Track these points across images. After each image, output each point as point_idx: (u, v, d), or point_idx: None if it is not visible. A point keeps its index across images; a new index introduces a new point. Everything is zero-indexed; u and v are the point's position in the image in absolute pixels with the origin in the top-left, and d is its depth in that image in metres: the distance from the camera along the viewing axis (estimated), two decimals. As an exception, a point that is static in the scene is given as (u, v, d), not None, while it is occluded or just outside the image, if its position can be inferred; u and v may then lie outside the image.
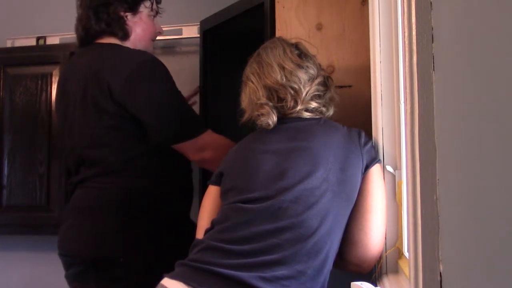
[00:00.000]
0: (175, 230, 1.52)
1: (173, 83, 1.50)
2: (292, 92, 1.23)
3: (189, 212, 1.63)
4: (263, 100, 1.24)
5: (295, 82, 1.23)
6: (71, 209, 1.51)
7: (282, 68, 1.25)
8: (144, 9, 1.57)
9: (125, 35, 1.55)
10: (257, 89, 1.26)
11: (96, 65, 1.47)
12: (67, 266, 1.49)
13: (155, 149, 1.49)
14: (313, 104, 1.25)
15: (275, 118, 1.23)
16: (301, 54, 1.29)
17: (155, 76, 1.47)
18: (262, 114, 1.23)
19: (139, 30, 1.57)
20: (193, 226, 1.55)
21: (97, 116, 1.45)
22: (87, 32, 1.53)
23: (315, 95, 1.26)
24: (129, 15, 1.54)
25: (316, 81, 1.26)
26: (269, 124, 1.23)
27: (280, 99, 1.24)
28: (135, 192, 1.46)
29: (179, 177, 1.59)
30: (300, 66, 1.25)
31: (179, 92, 1.51)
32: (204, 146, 1.51)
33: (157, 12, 1.63)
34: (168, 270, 1.38)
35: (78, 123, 1.50)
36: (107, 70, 1.44)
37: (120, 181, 1.46)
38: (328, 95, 1.29)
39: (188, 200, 1.62)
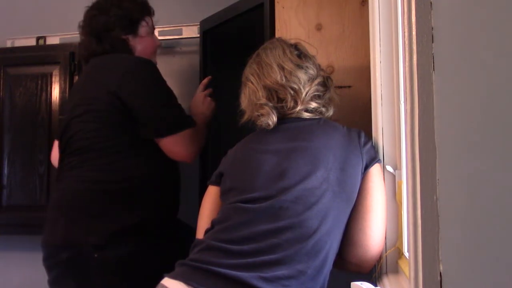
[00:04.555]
0: (154, 232, 1.52)
1: (164, 81, 1.59)
2: (292, 92, 1.23)
3: (173, 214, 1.64)
4: (263, 100, 1.24)
5: (294, 82, 1.23)
6: (51, 204, 1.58)
7: (282, 68, 1.25)
8: (142, 28, 1.68)
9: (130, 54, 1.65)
10: (257, 90, 1.26)
11: (95, 71, 1.58)
12: (48, 270, 1.51)
13: (134, 145, 1.53)
14: (313, 105, 1.25)
15: (275, 119, 1.23)
16: (300, 54, 1.29)
17: (149, 72, 1.56)
18: (262, 115, 1.23)
19: (140, 48, 1.67)
20: (184, 230, 1.56)
21: (87, 112, 1.53)
22: (91, 54, 1.62)
23: (315, 95, 1.26)
24: (130, 37, 1.65)
25: (316, 81, 1.26)
26: (269, 125, 1.23)
27: (280, 100, 1.24)
28: (109, 187, 1.48)
29: (159, 175, 1.59)
30: (299, 67, 1.25)
31: (170, 89, 1.59)
32: (184, 142, 1.55)
33: (154, 28, 1.74)
34: (146, 270, 1.39)
35: (67, 116, 1.60)
36: (105, 72, 1.55)
37: (97, 174, 1.49)
38: (327, 95, 1.29)
39: (169, 201, 1.63)
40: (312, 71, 1.27)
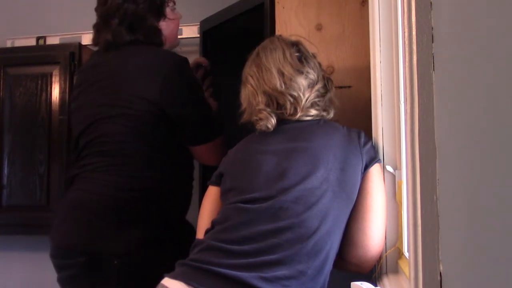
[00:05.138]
0: (171, 236, 1.51)
1: (199, 82, 1.56)
2: (291, 99, 1.22)
3: (185, 217, 1.63)
4: (262, 106, 1.23)
5: (294, 89, 1.22)
6: (69, 203, 1.49)
7: (281, 74, 1.23)
8: (167, 9, 1.61)
9: (161, 44, 1.59)
10: (256, 94, 1.25)
11: (129, 69, 1.49)
12: (59, 268, 1.47)
13: (163, 152, 1.50)
14: (313, 112, 1.24)
15: (274, 122, 1.22)
16: (301, 56, 1.27)
17: (187, 76, 1.52)
18: (261, 119, 1.23)
19: (167, 32, 1.61)
20: (189, 230, 1.54)
21: (121, 115, 1.45)
22: (119, 44, 1.52)
23: (315, 101, 1.24)
24: (161, 22, 1.58)
25: (316, 87, 1.24)
26: (268, 128, 1.22)
27: (280, 105, 1.23)
28: (137, 194, 1.44)
29: (183, 182, 1.58)
30: (300, 72, 1.24)
31: (203, 91, 1.57)
32: (216, 149, 1.55)
33: (174, 2, 1.66)
34: (154, 270, 1.38)
35: (89, 110, 1.50)
36: (141, 73, 1.47)
37: (124, 181, 1.44)
38: (327, 97, 1.28)
39: (187, 207, 1.62)
40: (312, 76, 1.25)
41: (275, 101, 1.23)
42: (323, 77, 1.29)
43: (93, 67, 1.59)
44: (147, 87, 1.44)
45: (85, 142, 1.49)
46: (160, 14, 1.57)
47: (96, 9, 1.58)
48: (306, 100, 1.22)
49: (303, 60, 1.27)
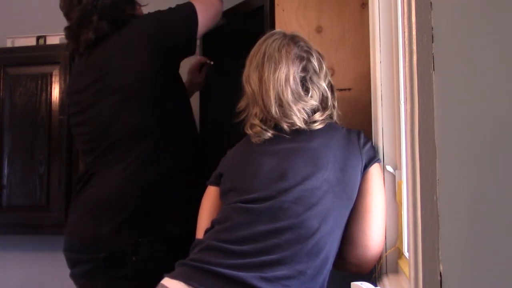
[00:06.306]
0: (187, 237, 1.52)
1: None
2: (288, 124, 1.20)
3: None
4: (257, 121, 1.22)
5: (290, 117, 1.19)
6: (87, 199, 1.49)
7: (279, 99, 1.18)
8: None
9: None
10: (255, 106, 1.23)
11: (112, 60, 1.52)
12: (73, 263, 1.47)
13: (178, 150, 1.53)
14: (317, 126, 1.21)
15: (269, 135, 1.21)
16: (306, 77, 1.21)
17: (160, 18, 1.56)
18: (256, 133, 1.22)
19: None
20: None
21: (113, 102, 1.48)
22: (100, 35, 1.53)
23: (318, 119, 1.21)
24: (136, 11, 1.61)
25: (318, 112, 1.21)
26: (264, 139, 1.22)
27: (276, 125, 1.21)
28: (156, 192, 1.46)
29: (196, 181, 1.59)
30: (300, 100, 1.19)
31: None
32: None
33: None
34: (163, 267, 1.38)
35: (92, 111, 1.52)
36: (123, 61, 1.50)
37: (140, 178, 1.46)
38: (330, 106, 1.25)
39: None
40: (314, 101, 1.21)
41: (273, 121, 1.21)
42: (329, 85, 1.25)
43: (81, 73, 1.61)
44: (141, 64, 1.49)
45: (100, 146, 1.51)
46: (134, 2, 1.61)
47: (69, 12, 1.56)
48: (306, 123, 1.20)
49: (308, 82, 1.21)
